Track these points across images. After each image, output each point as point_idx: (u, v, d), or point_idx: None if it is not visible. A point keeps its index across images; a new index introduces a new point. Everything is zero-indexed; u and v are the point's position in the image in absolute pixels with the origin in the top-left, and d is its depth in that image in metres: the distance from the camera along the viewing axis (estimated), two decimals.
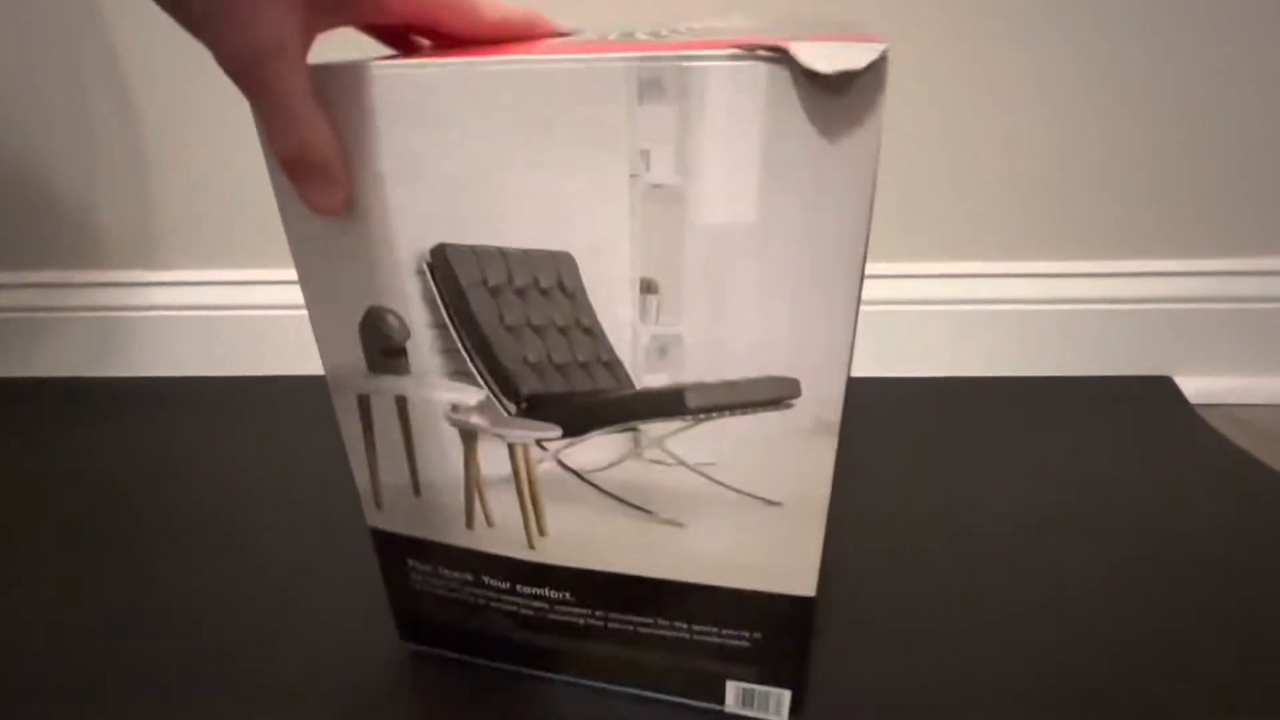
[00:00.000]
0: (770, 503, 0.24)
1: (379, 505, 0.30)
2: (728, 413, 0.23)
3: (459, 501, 0.28)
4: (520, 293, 0.23)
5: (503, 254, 0.22)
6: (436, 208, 0.22)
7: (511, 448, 0.26)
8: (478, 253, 0.22)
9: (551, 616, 0.30)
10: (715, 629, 0.28)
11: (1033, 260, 0.60)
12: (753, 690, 0.30)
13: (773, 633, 0.27)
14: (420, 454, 0.27)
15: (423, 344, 0.25)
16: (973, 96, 0.56)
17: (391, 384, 0.26)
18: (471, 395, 0.25)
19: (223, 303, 0.64)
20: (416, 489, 0.28)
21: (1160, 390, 0.59)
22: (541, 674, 0.33)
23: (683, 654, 0.29)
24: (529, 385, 0.24)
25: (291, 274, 0.63)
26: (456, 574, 0.30)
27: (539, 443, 0.25)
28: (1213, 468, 0.49)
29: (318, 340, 0.26)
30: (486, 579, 0.30)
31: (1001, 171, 0.58)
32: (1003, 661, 0.34)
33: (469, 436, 0.26)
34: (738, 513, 0.25)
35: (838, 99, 0.18)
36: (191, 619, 0.37)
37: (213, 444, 0.54)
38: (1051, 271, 0.60)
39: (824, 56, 0.17)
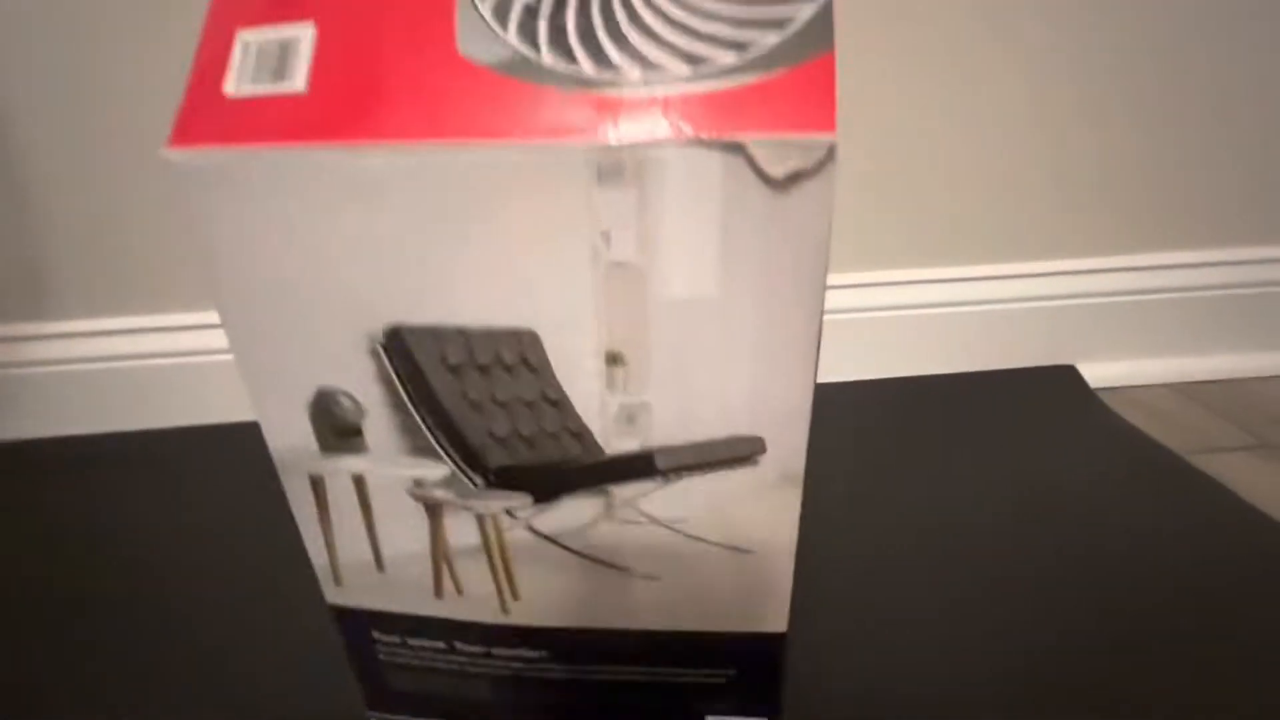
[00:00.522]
0: (742, 550, 0.25)
1: (338, 582, 0.29)
2: (696, 472, 0.23)
3: (426, 573, 0.27)
4: (483, 369, 0.22)
5: (462, 333, 0.22)
6: (389, 287, 0.21)
7: (480, 518, 0.25)
8: (436, 332, 0.22)
9: (529, 674, 0.30)
10: (693, 670, 0.29)
11: (941, 266, 0.65)
12: None
13: (748, 668, 0.28)
14: (382, 530, 0.27)
15: (379, 422, 0.24)
16: (879, 102, 0.58)
17: (348, 464, 0.25)
18: (435, 470, 0.25)
19: (115, 353, 0.59)
20: (379, 564, 0.28)
21: (1065, 378, 0.65)
22: None
23: (661, 695, 0.30)
24: (497, 459, 0.24)
25: (189, 318, 0.59)
26: (427, 643, 0.30)
27: (509, 511, 0.25)
28: (1111, 445, 0.54)
29: (262, 422, 0.25)
30: (459, 645, 0.29)
31: (910, 181, 0.62)
32: (952, 657, 0.36)
33: (434, 509, 0.26)
34: (711, 562, 0.26)
35: (789, 189, 0.19)
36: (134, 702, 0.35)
37: (127, 505, 0.50)
38: (959, 276, 0.65)
39: (777, 158, 0.18)
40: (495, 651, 0.29)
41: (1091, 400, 0.61)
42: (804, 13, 0.19)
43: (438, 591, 0.28)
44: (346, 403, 0.24)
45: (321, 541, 0.27)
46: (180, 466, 0.55)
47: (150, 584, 0.43)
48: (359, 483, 0.26)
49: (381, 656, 0.31)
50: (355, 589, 0.29)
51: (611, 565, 0.26)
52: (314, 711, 0.34)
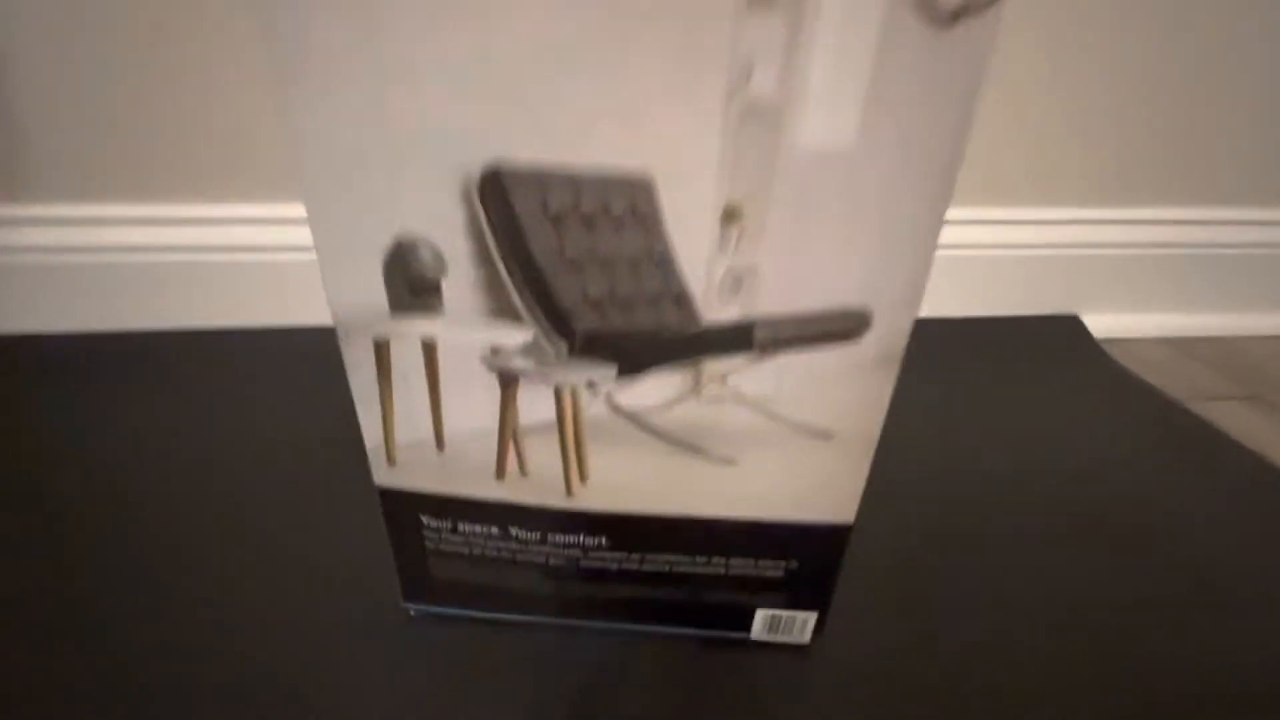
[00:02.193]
0: (824, 435, 0.25)
1: (391, 461, 0.27)
2: (795, 346, 0.23)
3: (490, 452, 0.26)
4: (586, 220, 0.21)
5: (570, 178, 0.20)
6: (493, 121, 0.19)
7: (558, 391, 0.24)
8: (539, 176, 0.20)
9: (584, 564, 0.29)
10: (753, 561, 0.29)
11: (952, 208, 0.65)
12: (780, 616, 0.31)
13: (809, 560, 0.29)
14: (448, 402, 0.25)
15: (461, 279, 0.22)
16: None
17: (420, 326, 0.23)
18: (515, 336, 0.23)
19: (102, 244, 0.54)
20: (440, 441, 0.26)
21: (1069, 327, 0.66)
22: (563, 622, 0.32)
23: (715, 589, 0.30)
24: (586, 323, 0.23)
25: (178, 210, 0.55)
26: (479, 528, 0.29)
27: (590, 384, 0.24)
28: (1115, 394, 0.56)
29: (326, 277, 0.23)
30: (515, 530, 0.29)
31: None
32: (963, 583, 0.37)
33: (509, 381, 0.24)
34: (790, 447, 0.25)
35: (951, 29, 0.17)
36: (164, 600, 0.33)
37: (142, 408, 0.47)
38: (968, 219, 0.65)
39: None
40: (552, 538, 0.29)
41: (1097, 350, 0.63)
42: None
43: (500, 472, 0.27)
44: (427, 255, 0.22)
45: (378, 415, 0.26)
46: (171, 370, 0.51)
47: (163, 485, 0.40)
48: (429, 349, 0.24)
49: (428, 543, 0.30)
50: (409, 469, 0.27)
51: (689, 447, 0.25)
52: (345, 605, 0.33)
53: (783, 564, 0.29)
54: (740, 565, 0.29)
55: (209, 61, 0.50)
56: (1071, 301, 0.68)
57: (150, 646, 0.31)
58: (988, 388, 0.55)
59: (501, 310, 0.23)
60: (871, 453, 0.25)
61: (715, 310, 0.22)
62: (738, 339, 0.23)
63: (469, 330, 0.23)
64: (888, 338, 0.22)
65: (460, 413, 0.25)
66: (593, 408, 0.25)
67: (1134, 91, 0.61)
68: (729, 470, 0.26)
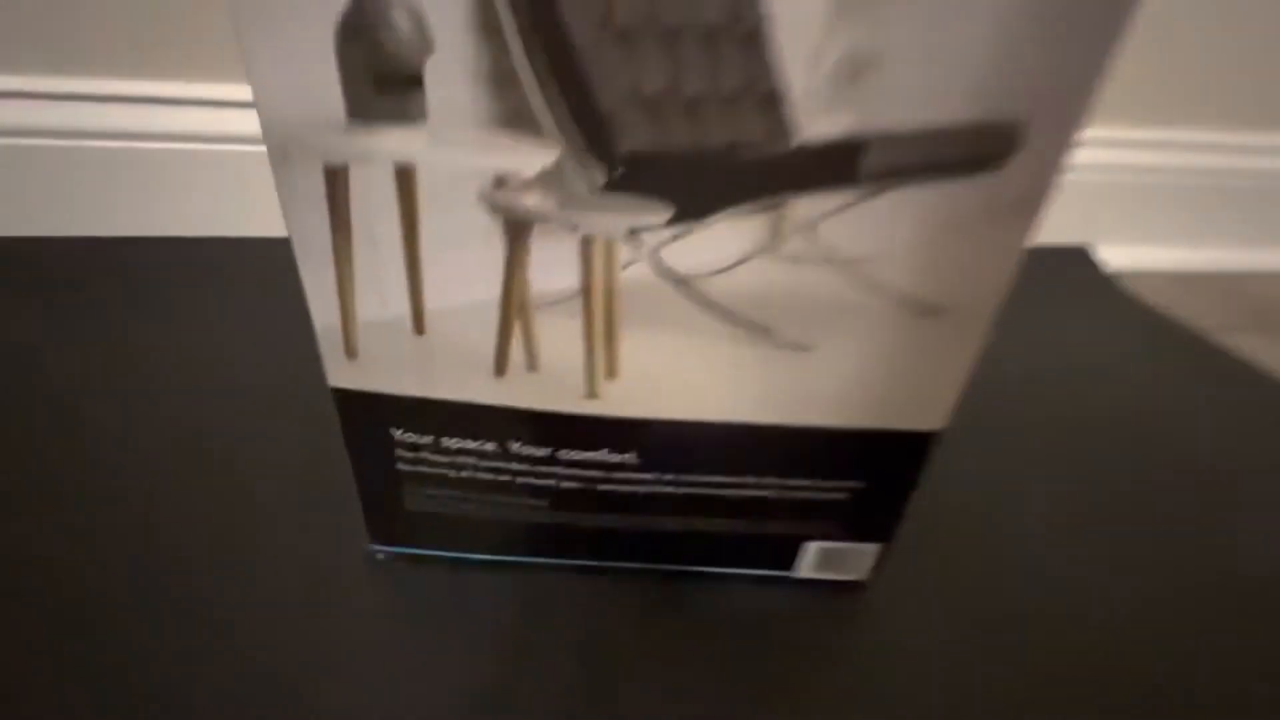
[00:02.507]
0: (931, 310, 0.19)
1: (351, 353, 0.20)
2: (916, 177, 0.17)
3: (487, 337, 0.20)
4: None
5: None
6: None
7: (586, 245, 0.18)
8: None
9: (602, 488, 0.23)
10: (811, 482, 0.23)
11: None
12: (834, 550, 0.26)
13: (884, 478, 0.23)
14: (430, 263, 0.18)
15: (451, 65, 0.15)
16: None
17: (391, 141, 0.16)
18: (529, 158, 0.16)
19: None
20: (419, 322, 0.19)
21: (1079, 258, 0.63)
22: (571, 563, 0.26)
23: (763, 517, 0.25)
24: (635, 136, 0.16)
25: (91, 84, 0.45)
26: (470, 444, 0.22)
27: (632, 232, 0.18)
28: (1131, 326, 0.53)
29: (250, 63, 0.15)
30: (516, 446, 0.22)
31: None
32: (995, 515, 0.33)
33: (517, 230, 0.18)
34: (884, 326, 0.19)
35: None
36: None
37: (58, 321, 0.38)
38: None
39: None
40: (566, 455, 0.22)
41: (1107, 281, 0.60)
42: None
43: (500, 366, 0.20)
44: (403, 25, 0.15)
45: (331, 283, 0.19)
46: (91, 282, 0.42)
47: (85, 409, 0.32)
48: (404, 178, 0.17)
49: (401, 465, 0.23)
50: (376, 363, 0.20)
51: (755, 327, 0.19)
52: (295, 549, 0.26)
53: (850, 483, 0.23)
54: (798, 486, 0.24)
55: None
56: (1082, 233, 0.65)
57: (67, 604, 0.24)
58: (999, 321, 0.52)
59: (511, 116, 0.16)
60: (983, 336, 0.20)
61: (815, 118, 0.16)
62: (843, 162, 0.16)
63: (463, 149, 0.16)
64: (1037, 168, 0.17)
65: (448, 278, 0.19)
66: (630, 271, 0.18)
67: (1154, 5, 0.56)
68: (801, 359, 0.20)
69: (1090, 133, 0.61)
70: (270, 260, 0.46)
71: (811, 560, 0.26)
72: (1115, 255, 0.65)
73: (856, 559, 0.26)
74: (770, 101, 0.15)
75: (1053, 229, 0.64)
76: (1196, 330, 0.54)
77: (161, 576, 0.25)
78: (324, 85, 0.16)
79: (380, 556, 0.27)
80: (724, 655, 0.25)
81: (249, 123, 0.45)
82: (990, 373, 0.43)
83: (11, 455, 0.29)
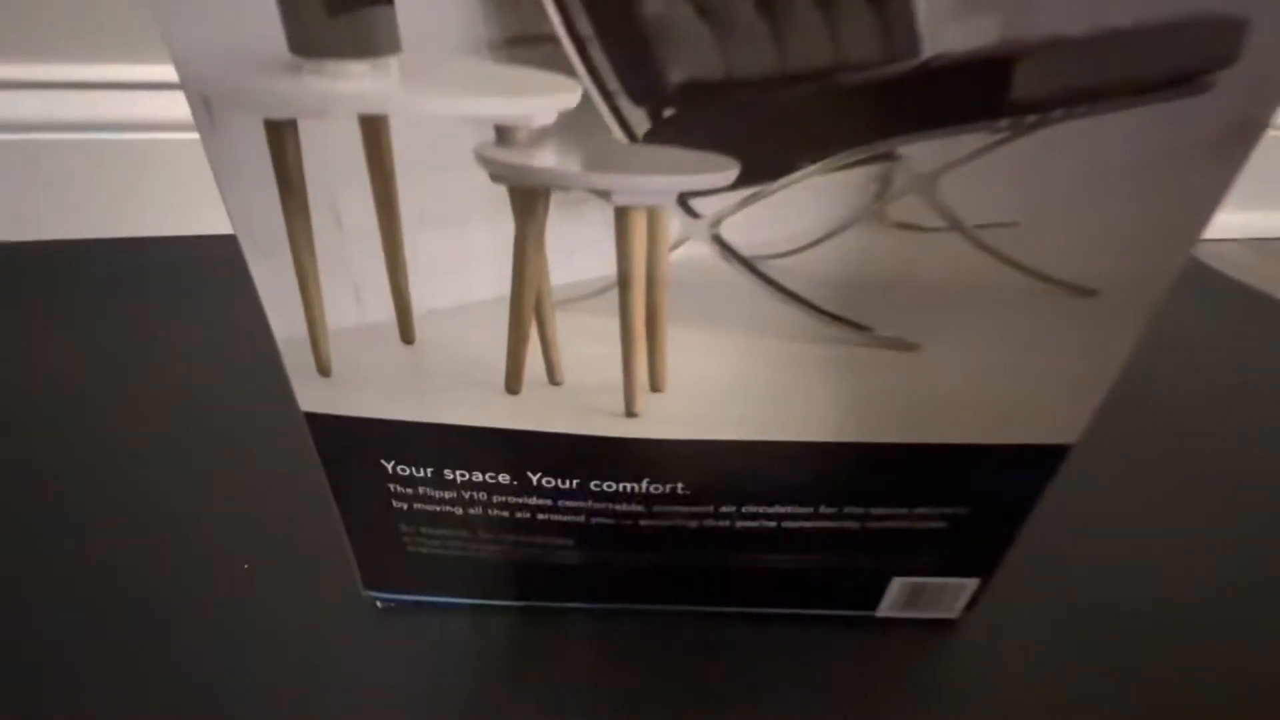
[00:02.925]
0: (1082, 291, 0.14)
1: (323, 369, 0.16)
2: (1089, 104, 0.12)
3: (496, 344, 0.15)
4: None
5: None
6: None
7: (625, 218, 0.13)
8: None
9: (644, 524, 0.19)
10: (906, 510, 0.19)
11: None
12: (925, 585, 0.21)
13: (991, 504, 0.19)
14: (416, 249, 0.14)
15: None
16: None
17: (352, 83, 0.12)
18: (542, 99, 0.12)
19: None
20: (406, 327, 0.15)
21: None
22: (604, 606, 0.22)
23: (835, 552, 0.20)
24: (690, 59, 0.11)
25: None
26: (479, 476, 0.18)
27: (685, 201, 0.13)
28: (1214, 300, 0.48)
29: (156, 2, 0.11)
30: (536, 478, 0.18)
31: None
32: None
33: (529, 201, 0.13)
34: (1018, 314, 0.15)
35: None
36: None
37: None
38: None
39: None
40: (599, 487, 0.18)
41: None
42: None
43: (513, 380, 0.16)
44: None
45: (291, 283, 0.15)
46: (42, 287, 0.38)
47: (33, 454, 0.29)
48: (373, 133, 0.13)
49: (396, 504, 0.19)
50: (356, 381, 0.16)
51: (845, 322, 0.15)
52: (284, 600, 0.23)
53: (952, 510, 0.19)
54: (888, 516, 0.19)
55: None
56: None
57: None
58: None
59: (517, 43, 0.12)
60: (1143, 326, 0.15)
61: (946, 25, 0.11)
62: (982, 90, 0.12)
63: (451, 91, 0.12)
64: (1258, 84, 0.12)
65: (440, 268, 0.14)
66: (681, 252, 0.14)
67: None
68: (906, 361, 0.15)
69: None
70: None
71: (897, 598, 0.22)
72: None
73: (950, 595, 0.22)
74: (882, 1, 0.11)
75: None
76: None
77: (133, 636, 0.21)
78: (256, 12, 0.11)
79: (379, 604, 0.22)
80: (790, 709, 0.20)
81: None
82: None
83: None
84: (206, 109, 0.12)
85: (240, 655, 0.21)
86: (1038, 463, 0.18)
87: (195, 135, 0.43)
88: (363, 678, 0.21)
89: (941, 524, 0.19)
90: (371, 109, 0.12)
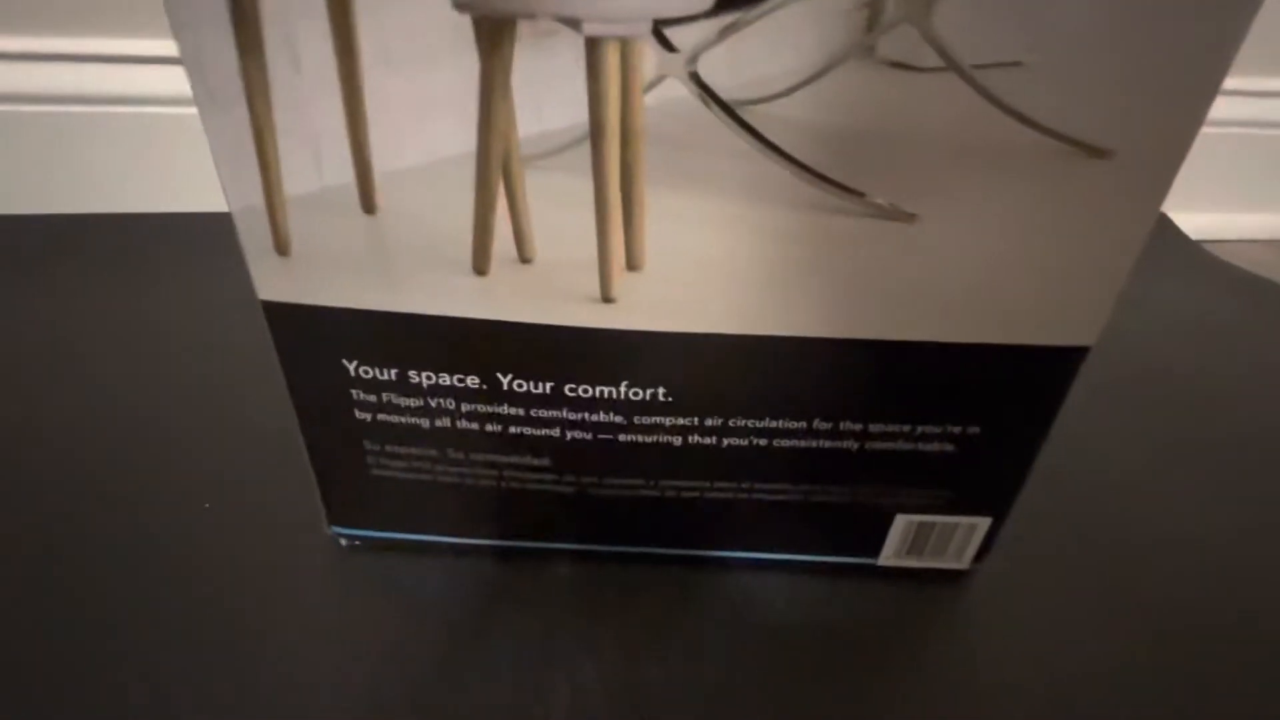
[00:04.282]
0: (1098, 150, 0.13)
1: (281, 247, 0.15)
2: None
3: (459, 213, 0.14)
4: None
5: None
6: None
7: (596, 50, 0.12)
8: None
9: (622, 439, 0.18)
10: (909, 427, 0.17)
11: None
12: (930, 525, 0.20)
13: (1005, 421, 0.17)
14: (378, 96, 0.13)
15: None
16: None
17: None
18: None
19: None
20: (367, 194, 0.14)
21: (1160, 226, 0.56)
22: (579, 547, 0.21)
23: (832, 480, 0.18)
24: None
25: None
26: (447, 378, 0.17)
27: (659, 30, 0.12)
28: (1236, 293, 0.46)
29: None
30: (506, 380, 0.17)
31: None
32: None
33: (495, 34, 0.12)
34: (1027, 181, 0.14)
35: None
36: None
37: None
38: None
39: None
40: (574, 391, 0.17)
41: (1194, 249, 0.53)
42: None
43: (480, 256, 0.15)
44: None
45: (247, 138, 0.14)
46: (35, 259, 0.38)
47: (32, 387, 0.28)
48: None
49: (359, 413, 0.18)
50: (316, 262, 0.15)
51: (835, 186, 0.14)
52: (246, 535, 0.21)
53: (961, 428, 0.17)
54: (890, 434, 0.17)
55: None
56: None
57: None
58: None
59: None
60: (1164, 196, 0.14)
61: None
62: None
63: None
64: None
65: (402, 122, 0.13)
66: (656, 94, 0.13)
67: None
68: (903, 235, 0.14)
69: None
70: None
71: (900, 542, 0.20)
72: (1199, 223, 0.58)
73: (961, 539, 0.20)
74: None
75: None
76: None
77: (103, 577, 0.20)
78: None
79: (344, 542, 0.21)
80: (779, 671, 0.18)
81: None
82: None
83: None
84: None
85: (193, 601, 0.19)
86: (1054, 369, 0.16)
87: (193, 110, 0.43)
88: (324, 623, 0.19)
89: (948, 445, 0.18)
90: None
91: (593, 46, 0.12)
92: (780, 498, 0.19)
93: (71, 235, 0.38)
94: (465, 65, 0.13)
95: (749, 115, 0.13)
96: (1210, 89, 0.13)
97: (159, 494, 0.22)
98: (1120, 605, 0.21)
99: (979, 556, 0.20)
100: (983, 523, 0.19)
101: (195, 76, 0.13)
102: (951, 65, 0.12)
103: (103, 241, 0.38)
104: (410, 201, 0.14)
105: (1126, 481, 0.25)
